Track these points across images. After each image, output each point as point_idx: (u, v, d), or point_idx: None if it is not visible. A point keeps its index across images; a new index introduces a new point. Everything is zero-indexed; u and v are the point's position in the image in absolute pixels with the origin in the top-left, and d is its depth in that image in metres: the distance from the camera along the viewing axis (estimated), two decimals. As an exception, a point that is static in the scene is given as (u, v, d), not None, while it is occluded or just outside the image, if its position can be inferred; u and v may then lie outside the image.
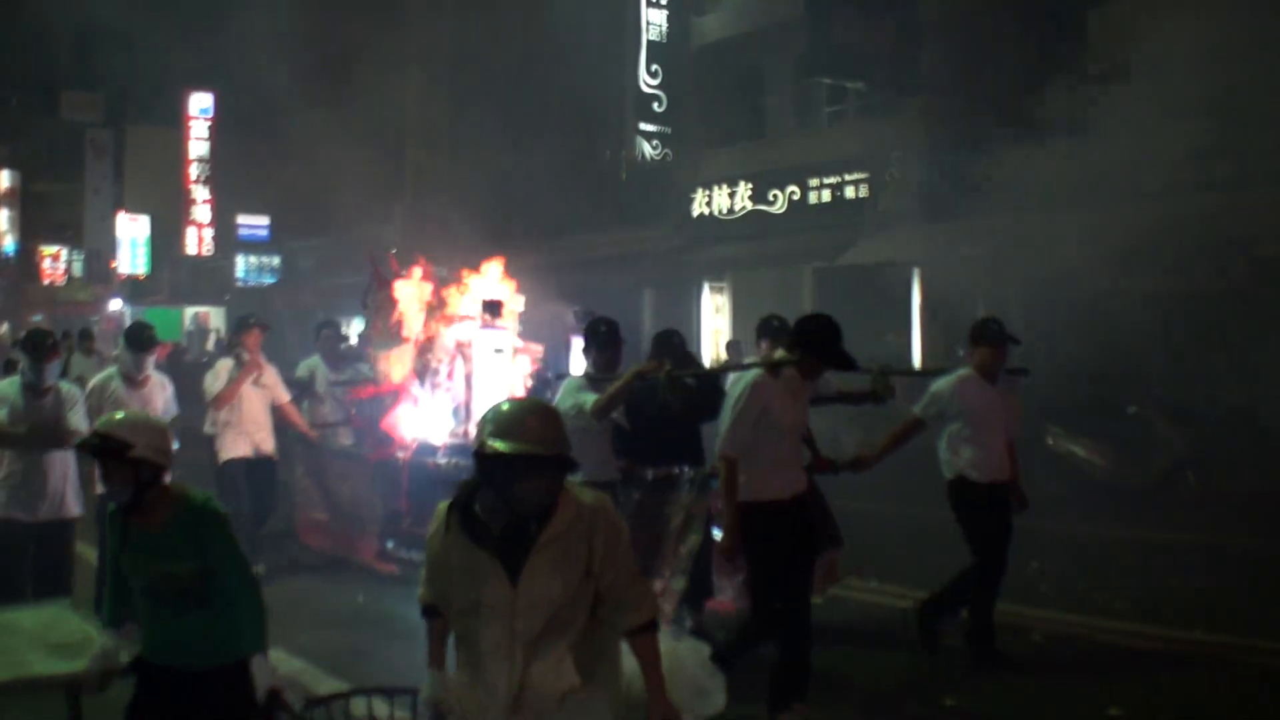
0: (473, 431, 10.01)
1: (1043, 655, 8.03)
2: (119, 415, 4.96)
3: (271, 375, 11.40)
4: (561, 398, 7.91)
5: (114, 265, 50.96)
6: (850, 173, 23.05)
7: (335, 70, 31.80)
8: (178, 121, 48.09)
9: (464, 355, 10.78)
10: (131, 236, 50.57)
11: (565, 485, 4.03)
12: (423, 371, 11.02)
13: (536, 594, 3.94)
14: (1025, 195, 18.98)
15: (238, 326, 11.58)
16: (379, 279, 11.97)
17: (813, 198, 23.83)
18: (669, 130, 27.18)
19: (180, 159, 48.15)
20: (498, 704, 3.97)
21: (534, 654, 3.96)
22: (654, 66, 26.86)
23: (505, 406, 4.01)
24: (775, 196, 24.54)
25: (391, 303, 11.46)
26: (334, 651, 8.37)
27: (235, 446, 11.07)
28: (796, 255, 23.71)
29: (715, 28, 27.15)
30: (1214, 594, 9.88)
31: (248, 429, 11.10)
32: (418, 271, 11.56)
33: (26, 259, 54.51)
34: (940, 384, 8.07)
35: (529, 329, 11.56)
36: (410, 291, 11.42)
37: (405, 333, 11.29)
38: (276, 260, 47.13)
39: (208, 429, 11.97)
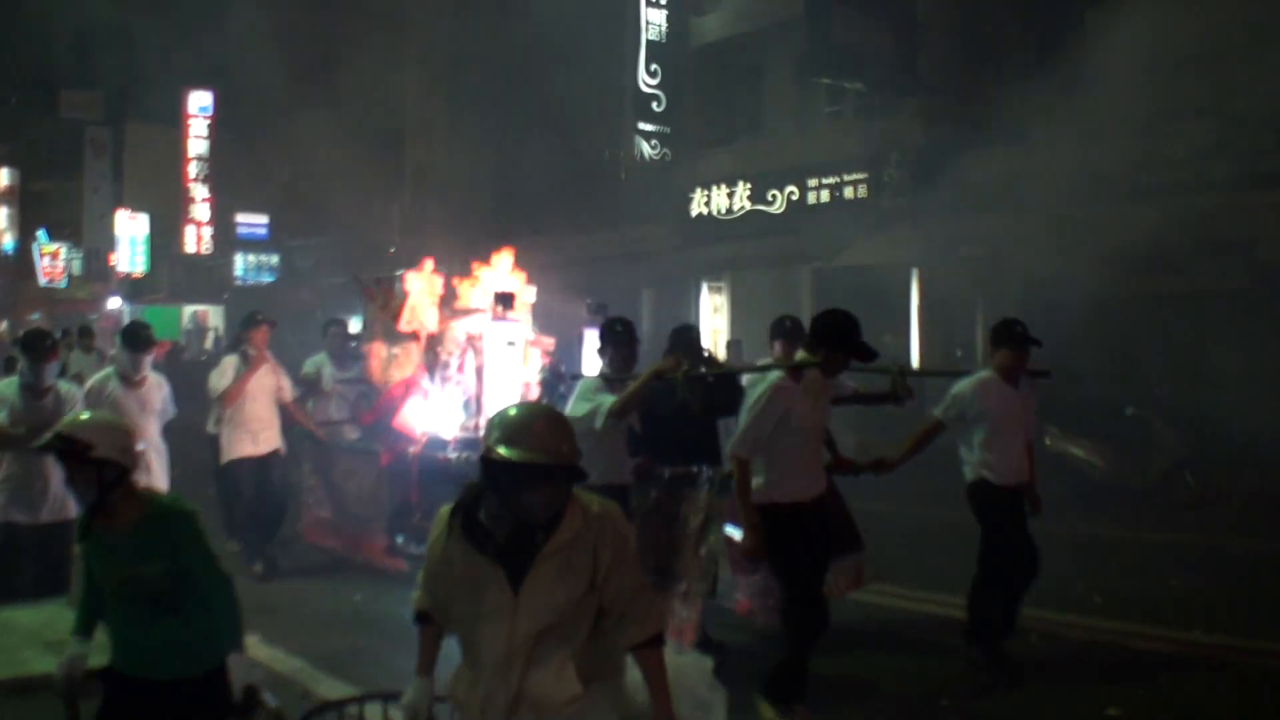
0: (484, 425, 10.15)
1: (1041, 655, 8.02)
2: (83, 415, 4.93)
3: (278, 373, 11.32)
4: (577, 399, 7.75)
5: (113, 263, 50.94)
6: (849, 173, 23.05)
7: (334, 69, 31.81)
8: (177, 120, 48.05)
9: (475, 348, 10.67)
10: (130, 235, 50.57)
11: (573, 493, 3.94)
12: (433, 365, 10.91)
13: (538, 604, 3.86)
14: (1023, 196, 19.01)
15: (244, 323, 11.42)
16: (369, 296, 11.90)
17: (811, 198, 23.82)
18: (668, 130, 27.16)
19: (179, 157, 48.11)
20: (497, 710, 3.90)
21: (534, 662, 3.88)
22: (653, 66, 26.85)
23: (513, 412, 3.92)
24: (774, 196, 24.54)
25: (392, 313, 11.26)
26: (332, 652, 8.38)
27: (239, 446, 10.99)
28: (795, 255, 23.71)
29: (714, 28, 27.15)
30: (1212, 594, 9.89)
31: (253, 427, 11.00)
32: (428, 264, 11.45)
33: (25, 257, 54.52)
34: (961, 386, 7.98)
35: (539, 322, 11.46)
36: (420, 284, 11.31)
37: (414, 326, 11.10)
38: (275, 259, 47.10)
39: (211, 428, 11.98)
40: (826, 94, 24.77)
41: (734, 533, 7.99)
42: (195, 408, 11.55)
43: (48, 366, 8.27)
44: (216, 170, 48.12)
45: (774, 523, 6.67)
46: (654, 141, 27.00)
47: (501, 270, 11.24)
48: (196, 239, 48.61)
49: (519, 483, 3.76)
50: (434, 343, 11.00)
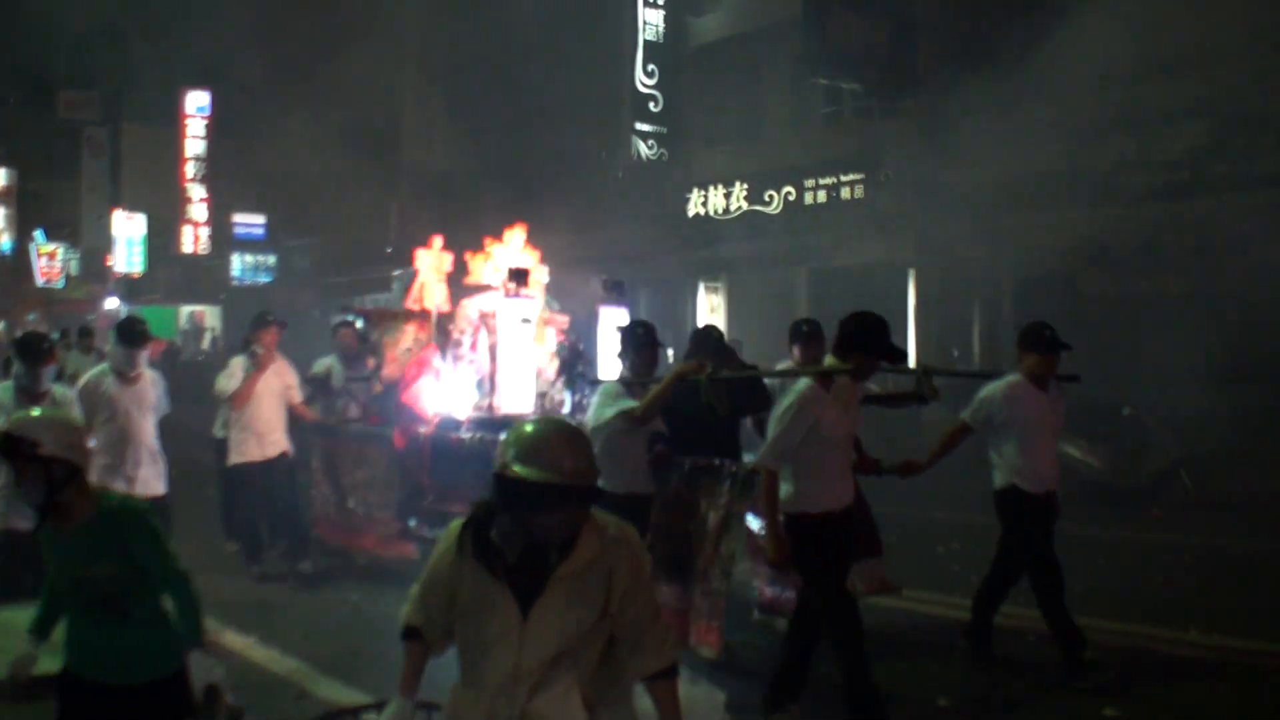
0: (497, 405, 9.93)
1: (1037, 655, 8.03)
2: (34, 412, 4.87)
3: (286, 374, 11.17)
4: (598, 406, 7.62)
5: (110, 264, 50.91)
6: (846, 173, 23.05)
7: (331, 69, 31.79)
8: (174, 120, 48.02)
9: (488, 326, 10.37)
10: (127, 235, 50.48)
11: (590, 513, 3.79)
12: (444, 343, 10.59)
13: (547, 629, 3.72)
14: (1020, 196, 19.03)
15: (254, 324, 11.19)
16: (369, 319, 11.72)
17: (808, 198, 23.82)
18: (665, 130, 27.20)
19: (176, 157, 48.08)
20: None
21: (540, 686, 3.74)
22: (650, 66, 26.89)
23: (529, 428, 3.71)
24: (771, 197, 24.54)
25: (394, 328, 10.97)
26: (330, 652, 8.38)
27: (245, 449, 10.83)
28: (792, 256, 23.74)
29: (712, 28, 27.17)
30: (1208, 594, 9.92)
31: (260, 430, 10.84)
32: (437, 241, 11.26)
33: (22, 257, 54.47)
34: (990, 390, 7.86)
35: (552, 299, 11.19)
36: (429, 262, 11.15)
37: (426, 304, 10.93)
38: (272, 259, 47.07)
39: (218, 431, 11.85)
40: (823, 95, 24.79)
41: (753, 523, 7.96)
42: (192, 407, 11.49)
43: (44, 370, 8.20)
44: (214, 170, 48.08)
45: (804, 533, 6.57)
46: (651, 142, 27.03)
47: (514, 246, 11.03)
48: (194, 239, 48.57)
49: (535, 503, 3.60)
50: (445, 321, 10.71)
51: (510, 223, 11.29)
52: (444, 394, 10.35)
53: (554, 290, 11.36)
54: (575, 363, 10.04)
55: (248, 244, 47.76)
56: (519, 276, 10.03)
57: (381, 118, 35.93)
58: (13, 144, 54.03)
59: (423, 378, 10.44)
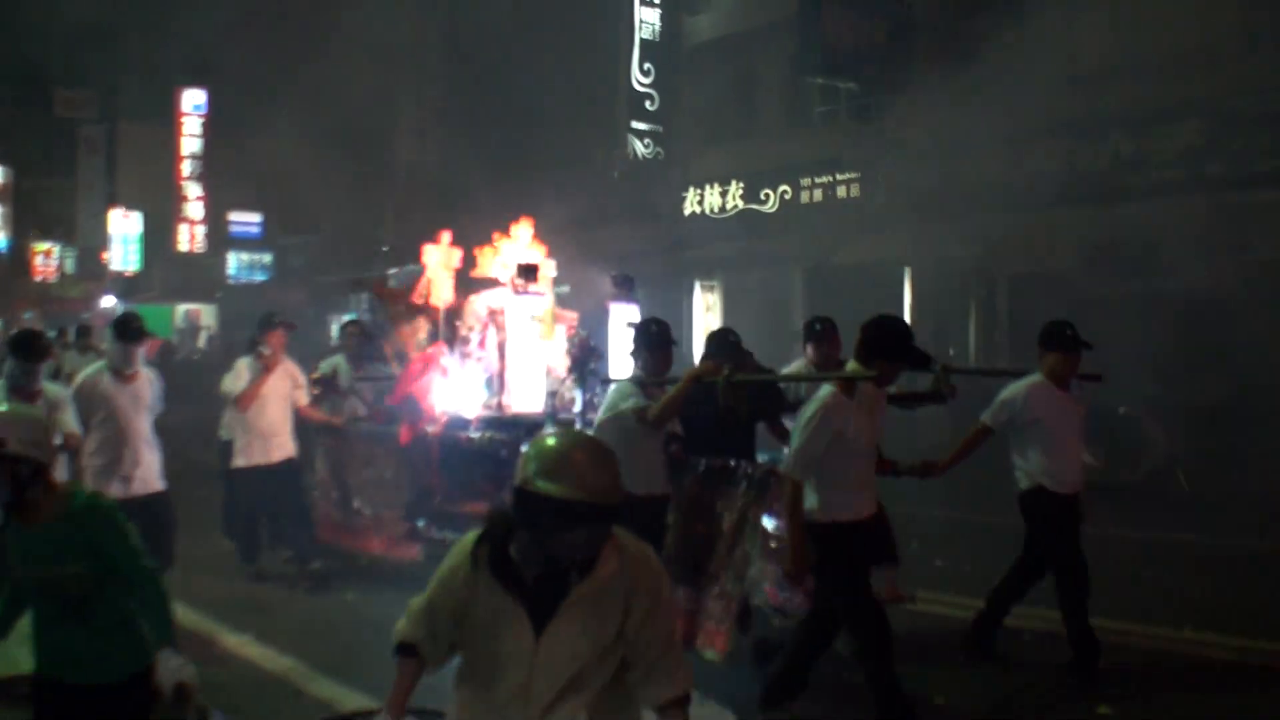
0: (507, 403, 9.80)
1: (1032, 654, 8.03)
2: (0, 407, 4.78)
3: (295, 376, 10.94)
4: (612, 403, 7.46)
5: (106, 262, 50.88)
6: (841, 172, 23.08)
7: (327, 67, 31.77)
8: (170, 119, 48.00)
9: (496, 323, 10.15)
10: (123, 233, 50.47)
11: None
12: (453, 340, 10.37)
13: (561, 650, 3.58)
14: (1015, 195, 19.04)
15: (261, 324, 10.95)
16: (382, 297, 11.56)
17: (804, 197, 23.86)
18: (661, 129, 27.21)
19: (173, 156, 48.06)
20: None
21: (550, 708, 3.62)
22: (647, 65, 26.89)
23: (552, 442, 3.53)
24: (766, 196, 24.56)
25: (408, 316, 10.82)
26: (325, 652, 8.35)
27: (250, 453, 10.59)
28: (787, 255, 23.74)
29: (708, 27, 27.18)
30: (1203, 592, 9.92)
31: (266, 432, 10.59)
32: (445, 237, 10.94)
33: (18, 255, 54.44)
34: (1011, 390, 7.74)
35: (561, 295, 11.01)
36: (437, 257, 10.82)
37: (434, 300, 10.61)
38: (268, 258, 47.05)
39: (224, 433, 11.68)
40: (819, 93, 24.79)
41: (768, 523, 7.83)
42: (187, 406, 11.41)
43: (39, 367, 8.08)
44: (210, 168, 48.07)
45: (830, 541, 6.45)
46: (647, 140, 27.04)
47: (522, 241, 10.82)
48: (190, 237, 48.57)
49: (558, 521, 3.42)
50: (453, 317, 10.50)
51: (505, 220, 11.14)
52: (452, 392, 10.19)
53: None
54: (588, 359, 9.73)
55: (243, 242, 47.79)
56: (528, 272, 9.89)
57: (377, 116, 35.91)
58: (9, 142, 53.91)
59: (430, 375, 10.28)
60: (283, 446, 10.71)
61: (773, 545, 8.07)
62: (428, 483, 10.13)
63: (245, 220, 47.64)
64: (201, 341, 44.75)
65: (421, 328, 10.73)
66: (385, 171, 36.39)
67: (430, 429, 10.05)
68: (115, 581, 4.56)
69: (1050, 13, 18.69)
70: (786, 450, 8.61)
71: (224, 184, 46.87)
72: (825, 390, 6.54)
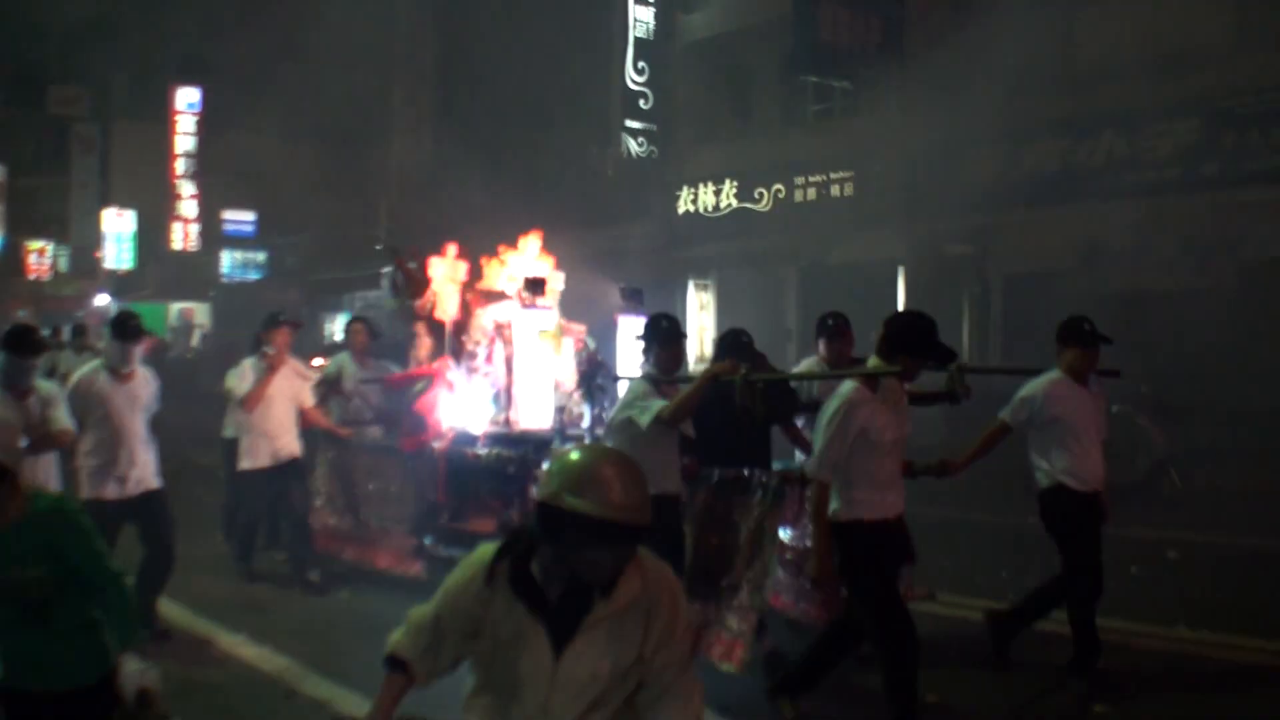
0: (514, 419, 9.50)
1: (1027, 652, 8.03)
2: None
3: (300, 376, 10.81)
4: (624, 404, 7.24)
5: (99, 260, 50.82)
6: (835, 171, 23.10)
7: (321, 66, 31.78)
8: (164, 117, 47.95)
9: (503, 337, 9.81)
10: (117, 231, 50.41)
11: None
12: (459, 354, 10.13)
13: (580, 671, 3.44)
14: (1008, 194, 19.06)
15: (266, 323, 10.78)
16: (404, 270, 11.45)
17: (798, 196, 23.87)
18: (655, 127, 27.21)
19: (166, 154, 48.02)
20: None
21: None
22: (640, 64, 26.89)
23: (580, 456, 3.38)
24: (760, 194, 24.58)
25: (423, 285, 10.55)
26: (319, 650, 8.35)
27: (256, 454, 10.42)
28: (781, 253, 23.77)
29: (702, 25, 27.18)
30: (1196, 591, 9.92)
31: (272, 433, 10.41)
32: (451, 249, 10.63)
33: (12, 254, 54.36)
34: (1031, 388, 7.58)
35: (568, 308, 10.54)
36: (444, 270, 10.51)
37: (438, 314, 10.38)
38: (262, 256, 47.02)
39: (228, 432, 11.61)
40: (813, 92, 24.80)
41: (783, 534, 7.78)
42: (180, 405, 11.34)
43: (33, 364, 7.87)
44: (204, 167, 48.03)
45: (858, 543, 6.29)
46: (641, 139, 27.04)
47: (530, 254, 10.44)
48: (183, 236, 48.52)
49: (586, 539, 3.27)
50: (459, 331, 10.26)
51: (498, 219, 11.02)
52: (458, 407, 9.98)
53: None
54: (595, 374, 9.45)
55: (237, 241, 47.71)
56: (535, 286, 9.64)
57: (370, 114, 35.92)
58: (3, 140, 53.85)
59: (436, 390, 10.08)
60: (288, 446, 10.55)
61: (788, 556, 8.04)
62: (434, 499, 9.97)
63: (239, 219, 47.57)
64: (195, 340, 44.70)
65: (424, 342, 10.65)
66: (379, 170, 36.38)
67: (436, 444, 9.89)
68: (77, 585, 4.47)
69: (1044, 12, 18.71)
70: (799, 455, 8.61)
71: (218, 182, 46.82)
72: (848, 385, 6.39)
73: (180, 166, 48.20)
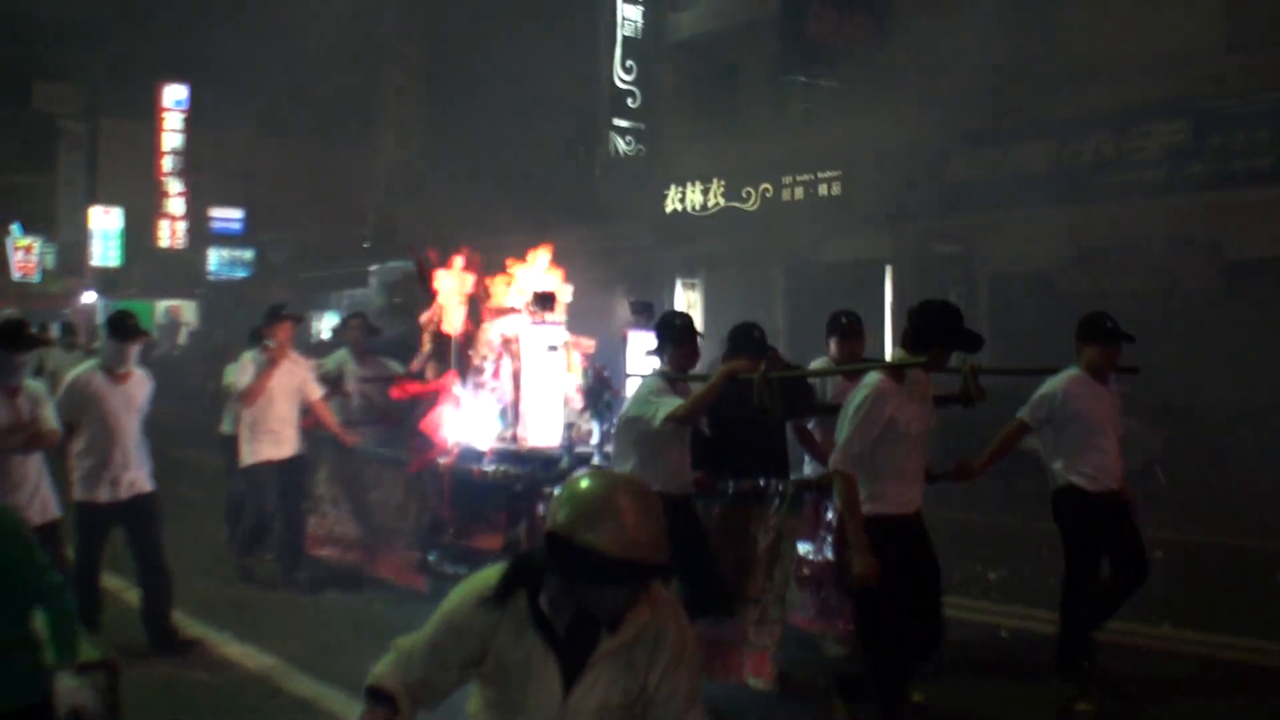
0: (522, 436, 9.35)
1: (1011, 652, 8.05)
2: None
3: (304, 370, 10.69)
4: (636, 402, 7.05)
5: (87, 257, 50.72)
6: (823, 170, 23.07)
7: (310, 65, 31.76)
8: (152, 114, 47.87)
9: (511, 352, 9.69)
10: (104, 229, 50.30)
11: None
12: (465, 369, 9.93)
13: (590, 702, 3.30)
14: (996, 194, 19.08)
15: (267, 317, 10.66)
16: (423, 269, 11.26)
17: (786, 195, 23.84)
18: (643, 126, 27.21)
19: (154, 151, 47.95)
20: None
21: None
22: (629, 62, 26.89)
23: (593, 485, 3.19)
24: (748, 193, 24.56)
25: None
26: (304, 649, 8.36)
27: (260, 449, 10.34)
28: (769, 252, 23.75)
29: (690, 24, 27.18)
30: (1182, 590, 9.95)
31: (274, 428, 10.33)
32: (458, 261, 10.43)
33: (-2, 251, 54.31)
34: (1050, 385, 7.43)
35: (575, 322, 10.29)
36: (451, 283, 10.30)
37: (445, 327, 10.22)
38: (249, 254, 46.97)
39: (226, 428, 11.52)
40: (801, 91, 24.80)
41: (802, 549, 7.72)
42: (166, 403, 11.25)
43: (23, 361, 7.58)
44: (191, 164, 47.97)
45: (882, 538, 6.10)
46: (629, 138, 27.04)
47: (539, 268, 10.22)
48: (171, 233, 48.44)
49: (600, 576, 3.11)
50: (466, 345, 10.06)
51: (485, 219, 10.93)
52: (464, 423, 9.79)
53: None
54: (602, 391, 9.33)
55: (224, 238, 47.67)
56: (545, 301, 9.46)
57: (358, 112, 35.91)
58: (-12, 137, 53.76)
59: (442, 405, 9.89)
60: (291, 442, 10.48)
61: (804, 572, 7.93)
62: (439, 516, 9.83)
63: (226, 216, 47.54)
64: (182, 338, 44.66)
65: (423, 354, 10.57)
66: (366, 168, 36.37)
67: (442, 460, 9.73)
68: (12, 598, 4.25)
69: (1032, 12, 18.74)
70: (807, 461, 8.53)
71: (205, 180, 46.77)
72: (874, 376, 6.25)
73: (167, 164, 48.13)
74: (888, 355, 6.76)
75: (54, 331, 19.38)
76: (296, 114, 34.57)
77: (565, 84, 27.00)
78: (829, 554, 7.87)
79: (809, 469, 8.41)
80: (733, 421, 7.42)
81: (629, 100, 27.00)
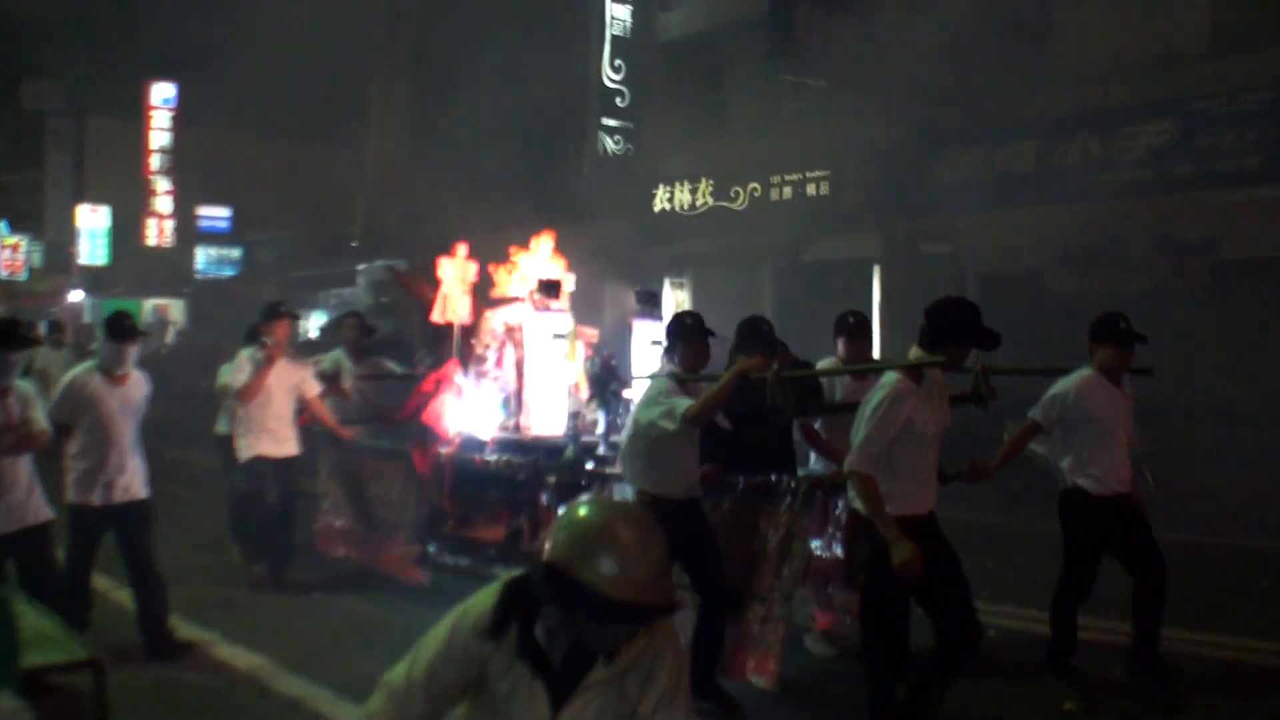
0: (525, 425, 9.32)
1: (998, 651, 8.03)
2: None
3: (301, 368, 10.62)
4: (647, 404, 6.92)
5: (74, 256, 50.57)
6: (812, 170, 23.09)
7: (298, 62, 31.68)
8: (140, 112, 47.77)
9: (514, 341, 9.63)
10: (91, 227, 50.15)
11: None
12: (467, 358, 9.88)
13: None
14: (984, 193, 19.11)
15: (265, 314, 10.46)
16: (408, 288, 11.15)
17: (774, 194, 23.86)
18: (631, 125, 27.23)
19: (141, 150, 47.85)
20: None
21: None
22: (617, 61, 26.90)
23: (595, 517, 3.09)
24: (737, 193, 24.57)
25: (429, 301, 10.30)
26: (293, 648, 8.33)
27: (260, 445, 10.21)
28: (757, 252, 23.77)
29: (679, 23, 27.19)
30: (1174, 590, 9.95)
31: (272, 427, 10.21)
32: (461, 249, 10.34)
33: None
34: (1063, 385, 7.45)
35: (578, 312, 10.21)
36: (453, 271, 10.25)
37: (450, 317, 10.11)
38: (237, 252, 46.90)
39: (221, 429, 11.45)
40: (790, 91, 24.81)
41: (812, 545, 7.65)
42: (158, 404, 11.20)
43: (17, 360, 7.58)
44: (179, 162, 47.87)
45: (883, 540, 5.93)
46: (617, 137, 27.06)
47: (542, 255, 10.18)
48: (158, 232, 48.34)
49: (602, 617, 3.01)
50: (469, 334, 10.02)
51: (473, 218, 10.88)
52: (466, 413, 9.76)
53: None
54: (609, 380, 9.11)
55: (212, 237, 47.58)
56: (550, 289, 9.43)
57: (346, 111, 35.87)
58: (-25, 135, 53.60)
59: (444, 395, 9.79)
60: (290, 442, 10.38)
61: (818, 567, 7.89)
62: (439, 506, 9.74)
63: (214, 215, 47.45)
64: (169, 337, 44.54)
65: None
66: (355, 166, 36.32)
67: (443, 450, 9.64)
68: None
69: (1018, 13, 18.77)
70: (813, 459, 8.50)
71: (193, 178, 46.67)
72: (892, 376, 6.14)
73: (155, 162, 48.01)
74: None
75: (41, 330, 19.30)
76: (284, 113, 34.48)
77: (553, 83, 26.97)
78: (838, 551, 7.87)
79: (815, 465, 8.38)
80: (740, 419, 7.31)
81: (617, 99, 27.02)
